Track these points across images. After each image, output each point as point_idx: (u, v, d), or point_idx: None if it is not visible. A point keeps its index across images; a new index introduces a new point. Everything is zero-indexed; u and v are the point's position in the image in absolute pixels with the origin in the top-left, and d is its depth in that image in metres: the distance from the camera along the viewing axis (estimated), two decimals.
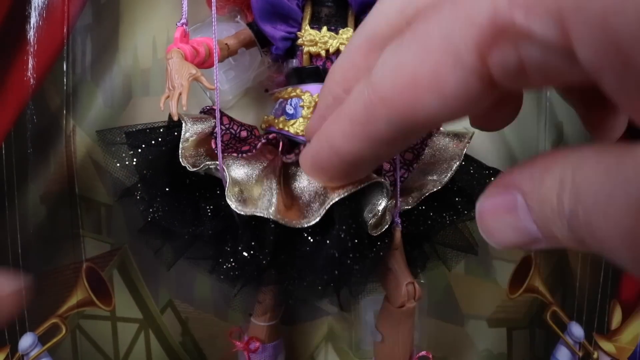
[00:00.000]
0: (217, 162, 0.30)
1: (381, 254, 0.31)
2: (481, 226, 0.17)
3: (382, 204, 0.29)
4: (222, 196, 0.30)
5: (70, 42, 0.43)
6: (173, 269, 0.45)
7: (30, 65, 0.41)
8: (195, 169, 0.30)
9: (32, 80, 0.41)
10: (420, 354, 0.37)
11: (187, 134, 0.31)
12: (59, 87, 0.43)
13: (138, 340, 0.46)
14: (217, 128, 0.30)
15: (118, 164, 0.34)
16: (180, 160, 0.31)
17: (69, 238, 0.43)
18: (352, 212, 0.29)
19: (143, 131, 0.34)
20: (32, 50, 0.41)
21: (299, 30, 0.34)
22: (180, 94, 0.29)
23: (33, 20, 0.41)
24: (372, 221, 0.30)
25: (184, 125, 0.32)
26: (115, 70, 0.43)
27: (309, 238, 0.30)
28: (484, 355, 0.49)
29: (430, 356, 0.37)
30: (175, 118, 0.29)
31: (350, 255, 0.28)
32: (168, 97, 0.29)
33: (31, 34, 0.41)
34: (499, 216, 0.16)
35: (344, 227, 0.29)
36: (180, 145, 0.31)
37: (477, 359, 0.49)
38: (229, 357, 0.43)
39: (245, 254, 0.30)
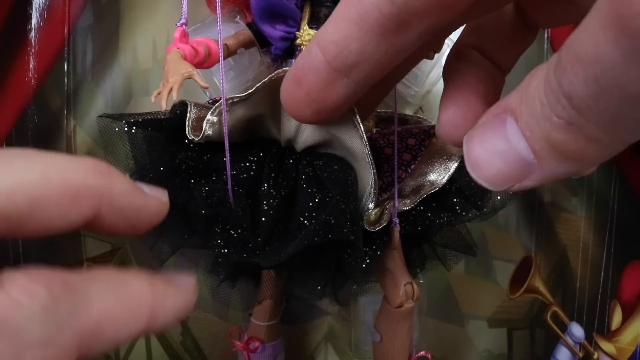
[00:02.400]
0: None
1: (379, 253, 0.31)
2: (468, 159, 0.15)
3: (371, 201, 0.29)
4: (217, 181, 0.30)
5: (71, 42, 0.43)
6: (173, 269, 0.45)
7: (31, 66, 0.42)
8: (198, 138, 0.30)
9: (33, 80, 0.42)
10: (420, 354, 0.37)
11: (193, 115, 0.31)
12: (59, 87, 0.43)
13: (138, 339, 0.46)
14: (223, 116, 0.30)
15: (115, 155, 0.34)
16: (187, 131, 0.30)
17: (70, 238, 0.44)
18: (349, 191, 0.29)
19: (143, 116, 0.34)
20: (33, 50, 0.41)
21: (298, 30, 0.34)
22: (171, 89, 0.29)
23: (34, 20, 0.41)
24: (366, 217, 0.30)
25: (189, 107, 0.31)
26: (115, 70, 0.43)
27: (305, 222, 0.29)
28: (484, 355, 0.49)
29: (430, 356, 0.37)
30: (164, 109, 0.29)
31: (343, 221, 0.28)
32: (160, 93, 0.29)
33: (32, 34, 0.41)
34: (486, 142, 0.15)
35: (337, 197, 0.28)
36: (187, 123, 0.31)
37: (477, 359, 0.49)
38: (229, 357, 0.43)
39: (233, 232, 0.30)
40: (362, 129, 0.27)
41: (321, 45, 0.17)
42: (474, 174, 0.15)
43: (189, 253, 0.38)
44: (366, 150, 0.28)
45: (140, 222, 0.17)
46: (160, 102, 0.29)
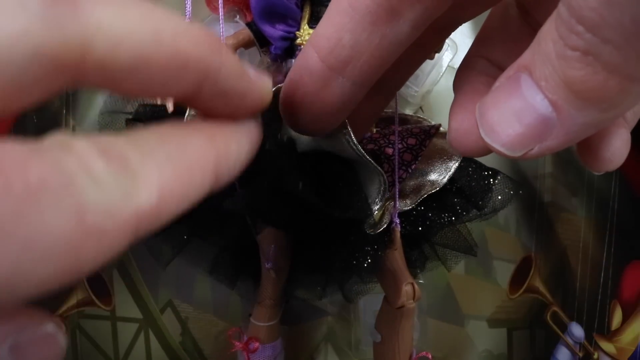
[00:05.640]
0: None
1: (380, 253, 0.31)
2: (482, 125, 0.14)
3: (377, 203, 0.29)
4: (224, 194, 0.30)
5: None
6: (173, 269, 0.45)
7: None
8: None
9: None
10: (420, 354, 0.37)
11: (192, 112, 0.31)
12: None
13: (138, 340, 0.46)
14: None
15: None
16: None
17: None
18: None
19: (144, 107, 0.34)
20: None
21: (298, 29, 0.34)
22: None
23: None
24: (369, 219, 0.30)
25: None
26: None
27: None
28: (484, 355, 0.49)
29: (430, 356, 0.37)
30: (170, 110, 0.28)
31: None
32: None
33: None
34: (501, 105, 0.14)
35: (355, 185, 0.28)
36: (185, 120, 0.31)
37: (477, 359, 0.49)
38: (229, 358, 0.43)
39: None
40: (359, 147, 0.26)
41: (314, 43, 0.17)
42: (489, 140, 0.14)
43: (189, 254, 0.38)
44: (371, 166, 0.28)
45: (240, 109, 0.15)
46: (167, 103, 0.28)
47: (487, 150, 0.16)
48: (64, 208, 0.09)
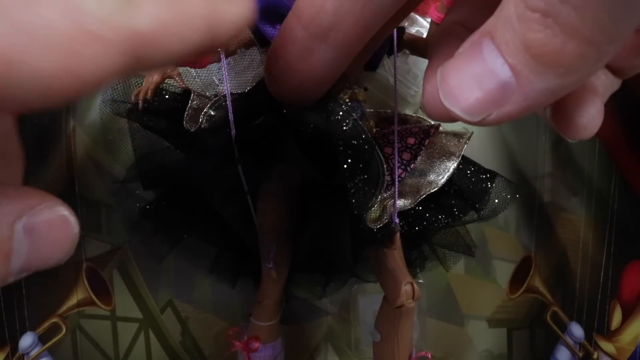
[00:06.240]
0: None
1: (385, 246, 0.31)
2: (442, 89, 0.14)
3: (376, 196, 0.29)
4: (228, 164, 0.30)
5: None
6: (173, 269, 0.45)
7: None
8: (193, 129, 0.30)
9: None
10: (420, 354, 0.37)
11: (194, 105, 0.31)
12: None
13: (138, 339, 0.46)
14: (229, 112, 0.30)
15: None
16: (184, 120, 0.31)
17: None
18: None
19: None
20: None
21: None
22: (147, 89, 0.31)
23: None
24: (369, 214, 0.30)
25: (192, 95, 0.32)
26: None
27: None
28: (484, 355, 0.49)
29: (430, 356, 0.37)
30: (141, 108, 0.30)
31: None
32: (139, 93, 0.31)
33: None
34: (461, 69, 0.14)
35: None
36: (187, 111, 0.31)
37: (477, 359, 0.49)
38: (229, 357, 0.43)
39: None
40: (367, 133, 0.27)
41: (297, 12, 0.17)
42: (448, 104, 0.14)
43: (189, 254, 0.38)
44: (377, 153, 0.28)
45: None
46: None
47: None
48: (62, 8, 0.10)
